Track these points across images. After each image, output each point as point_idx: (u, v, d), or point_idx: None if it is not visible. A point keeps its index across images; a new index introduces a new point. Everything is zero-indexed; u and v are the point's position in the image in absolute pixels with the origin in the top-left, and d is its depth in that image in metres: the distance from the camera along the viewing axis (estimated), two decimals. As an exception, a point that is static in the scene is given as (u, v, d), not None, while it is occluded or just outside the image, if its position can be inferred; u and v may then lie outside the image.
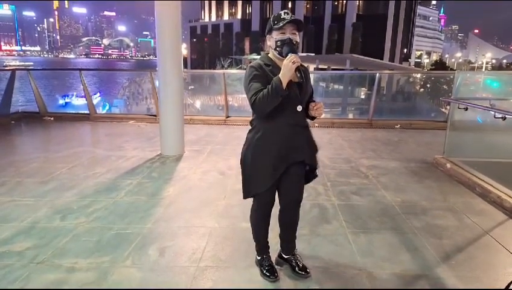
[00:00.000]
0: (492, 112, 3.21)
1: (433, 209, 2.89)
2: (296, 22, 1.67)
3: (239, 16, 40.56)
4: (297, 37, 1.70)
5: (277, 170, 1.76)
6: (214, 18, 44.11)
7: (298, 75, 1.65)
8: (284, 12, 1.69)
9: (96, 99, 19.27)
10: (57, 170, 3.71)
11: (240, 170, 1.86)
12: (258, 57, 1.95)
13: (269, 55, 1.78)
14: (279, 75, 1.61)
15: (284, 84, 1.60)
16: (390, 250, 2.25)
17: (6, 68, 9.50)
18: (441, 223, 2.64)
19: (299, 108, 1.75)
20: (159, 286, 1.89)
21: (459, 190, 3.35)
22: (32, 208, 2.81)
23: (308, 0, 34.60)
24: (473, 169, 3.50)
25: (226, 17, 42.45)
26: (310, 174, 1.92)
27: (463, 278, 1.98)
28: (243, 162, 1.83)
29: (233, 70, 9.10)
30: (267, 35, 1.75)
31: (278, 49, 1.69)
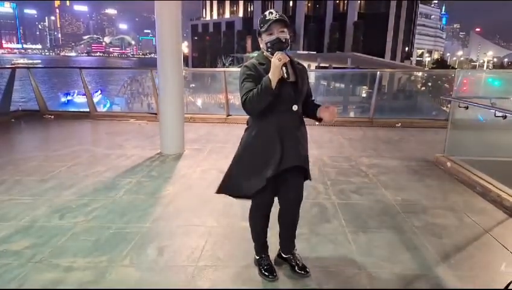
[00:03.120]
0: (493, 111, 3.19)
1: (433, 208, 2.87)
2: (279, 21, 1.65)
3: (240, 14, 40.47)
4: (287, 34, 1.68)
5: (267, 173, 1.74)
6: (215, 16, 44.02)
7: (285, 70, 1.62)
8: (269, 13, 1.68)
9: (97, 97, 19.34)
10: (56, 169, 3.71)
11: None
12: None
13: (264, 54, 1.77)
14: (269, 74, 1.61)
15: (273, 83, 1.60)
16: (390, 249, 2.24)
17: (6, 66, 9.46)
18: (441, 222, 2.62)
19: (295, 108, 1.74)
20: (157, 286, 1.88)
21: (459, 188, 3.33)
22: (30, 206, 2.80)
23: (309, -2, 34.50)
24: (474, 168, 3.48)
25: (227, 15, 42.36)
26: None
27: (462, 277, 1.97)
28: (236, 159, 1.83)
29: (234, 69, 9.08)
30: (259, 38, 1.75)
31: (269, 50, 1.70)
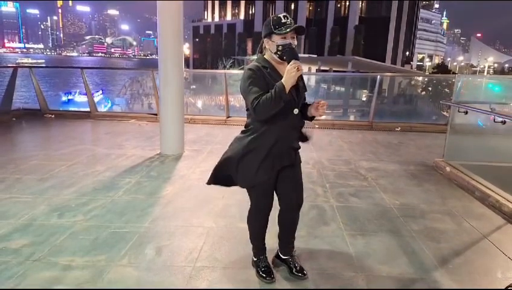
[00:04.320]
0: (492, 116, 3.21)
1: (432, 212, 2.88)
2: (299, 28, 1.68)
3: (242, 16, 40.63)
4: (296, 41, 1.71)
5: (264, 172, 1.74)
6: (216, 18, 44.20)
7: (301, 85, 1.68)
8: (284, 16, 1.68)
9: (98, 96, 19.46)
10: (56, 168, 3.72)
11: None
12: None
13: (265, 56, 1.77)
14: (283, 80, 1.61)
15: (287, 90, 1.61)
16: (388, 253, 2.24)
17: (8, 65, 9.48)
18: (439, 226, 2.63)
19: (296, 111, 1.75)
20: (155, 286, 1.88)
21: (458, 193, 3.34)
22: (30, 205, 2.81)
23: (310, 2, 34.64)
24: (473, 173, 3.49)
25: (229, 17, 42.53)
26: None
27: (460, 282, 1.97)
28: (228, 155, 1.83)
29: (235, 71, 9.12)
30: (265, 39, 1.73)
31: (278, 53, 1.69)
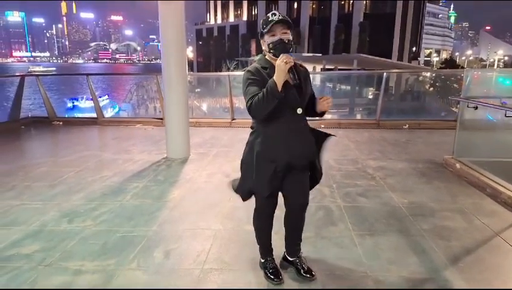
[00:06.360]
0: (503, 111, 3.14)
1: (442, 210, 2.83)
2: (282, 22, 1.64)
3: (244, 17, 40.68)
4: (289, 35, 1.67)
5: (276, 178, 1.75)
6: (219, 20, 44.34)
7: (291, 76, 1.63)
8: (272, 14, 1.67)
9: (104, 101, 19.83)
10: (64, 174, 3.77)
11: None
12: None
13: (266, 57, 1.77)
14: (274, 77, 1.60)
15: (279, 86, 1.58)
16: (397, 253, 2.21)
17: (16, 74, 9.66)
18: (449, 224, 2.58)
19: (299, 111, 1.73)
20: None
21: (468, 190, 3.28)
22: (40, 211, 2.85)
23: (314, 0, 34.50)
24: (483, 169, 3.42)
25: (231, 19, 42.63)
26: (315, 173, 1.89)
27: (472, 281, 1.93)
28: (244, 164, 1.84)
29: (238, 73, 9.12)
30: (261, 40, 1.74)
31: (271, 51, 1.69)
